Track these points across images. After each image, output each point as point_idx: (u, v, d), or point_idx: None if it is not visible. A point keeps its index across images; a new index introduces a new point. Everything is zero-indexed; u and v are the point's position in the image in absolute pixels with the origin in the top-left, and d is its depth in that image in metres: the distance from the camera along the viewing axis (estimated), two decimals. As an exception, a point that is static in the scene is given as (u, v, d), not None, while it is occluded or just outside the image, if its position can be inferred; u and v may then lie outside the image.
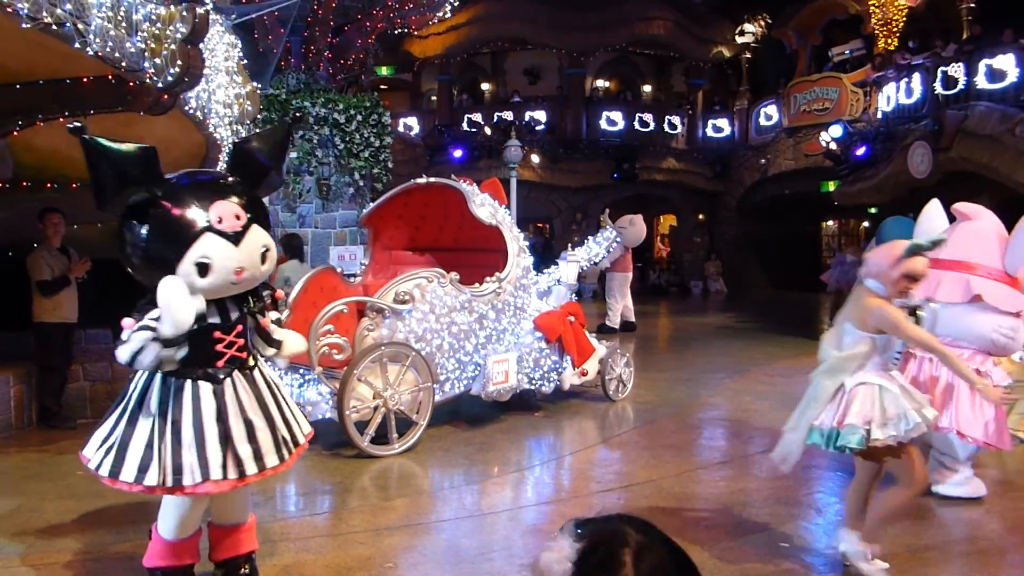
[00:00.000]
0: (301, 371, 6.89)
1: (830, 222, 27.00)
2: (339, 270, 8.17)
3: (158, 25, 6.70)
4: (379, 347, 6.65)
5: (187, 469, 3.61)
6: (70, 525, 5.08)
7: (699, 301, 24.02)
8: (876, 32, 20.20)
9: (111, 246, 9.39)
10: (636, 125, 24.79)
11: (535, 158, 22.91)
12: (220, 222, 3.55)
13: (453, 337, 7.23)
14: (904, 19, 19.68)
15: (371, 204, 8.99)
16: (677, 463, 6.85)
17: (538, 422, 8.03)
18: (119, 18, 6.35)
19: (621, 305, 14.61)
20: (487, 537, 5.11)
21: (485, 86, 27.51)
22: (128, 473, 3.61)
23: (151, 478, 3.59)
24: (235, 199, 3.65)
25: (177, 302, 3.46)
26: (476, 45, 25.16)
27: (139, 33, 6.54)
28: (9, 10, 5.55)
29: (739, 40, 25.55)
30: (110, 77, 6.72)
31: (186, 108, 7.45)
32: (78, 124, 3.79)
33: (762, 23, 25.02)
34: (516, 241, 8.06)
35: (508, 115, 24.31)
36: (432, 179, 8.21)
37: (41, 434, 7.35)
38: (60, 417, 7.55)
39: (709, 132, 25.91)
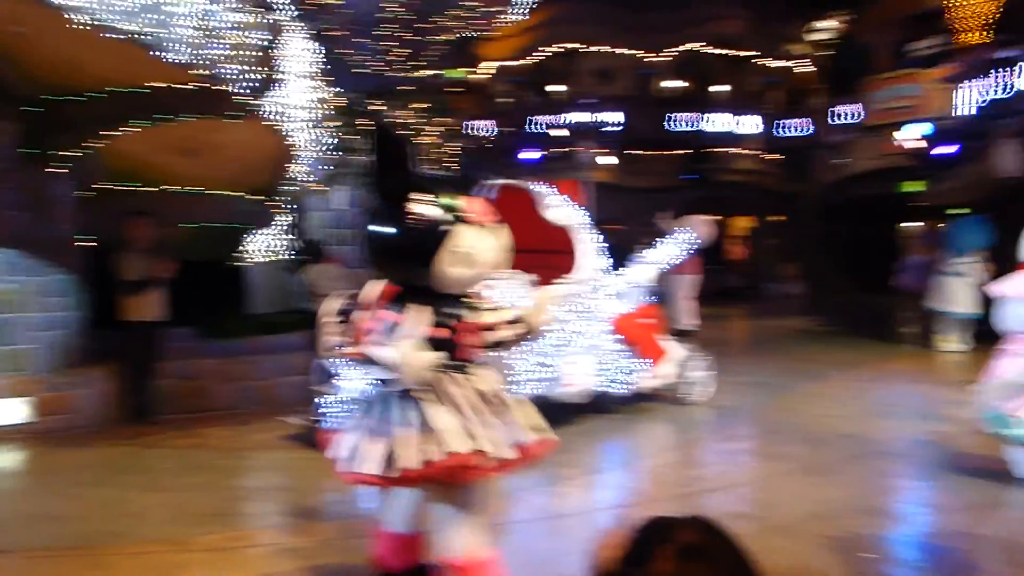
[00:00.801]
0: (377, 370, 6.97)
1: (912, 223, 26.22)
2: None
3: (238, 32, 6.88)
4: (454, 347, 6.68)
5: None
6: (156, 517, 5.23)
7: (775, 304, 23.57)
8: (959, 26, 19.55)
9: (195, 248, 9.70)
10: (709, 125, 24.50)
11: (607, 159, 22.82)
12: (473, 215, 3.55)
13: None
14: (990, 12, 19.01)
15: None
16: (755, 469, 6.72)
17: (613, 425, 7.97)
18: (201, 26, 6.55)
19: (690, 307, 14.41)
20: (561, 540, 5.09)
21: (556, 88, 27.53)
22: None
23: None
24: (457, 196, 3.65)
25: (417, 363, 3.42)
26: (547, 47, 25.19)
27: (220, 41, 6.73)
28: (95, 21, 5.78)
29: (816, 37, 25.03)
30: (194, 85, 6.93)
31: (265, 113, 7.64)
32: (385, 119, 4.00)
33: (841, 19, 24.47)
34: (589, 243, 8.02)
35: (580, 117, 24.27)
36: (504, 181, 8.22)
37: (131, 429, 7.59)
38: (148, 413, 7.80)
39: (785, 131, 25.42)
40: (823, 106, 24.70)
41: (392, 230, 3.58)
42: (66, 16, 5.70)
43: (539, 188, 7.88)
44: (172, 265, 7.89)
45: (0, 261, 7.17)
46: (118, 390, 7.81)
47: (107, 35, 5.89)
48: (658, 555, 1.31)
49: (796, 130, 25.34)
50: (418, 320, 3.49)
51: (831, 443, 7.30)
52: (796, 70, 27.03)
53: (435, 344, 3.51)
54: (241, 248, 10.42)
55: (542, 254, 8.35)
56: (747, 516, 5.38)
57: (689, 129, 24.30)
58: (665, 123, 24.37)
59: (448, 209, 3.52)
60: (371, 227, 3.66)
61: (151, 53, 6.25)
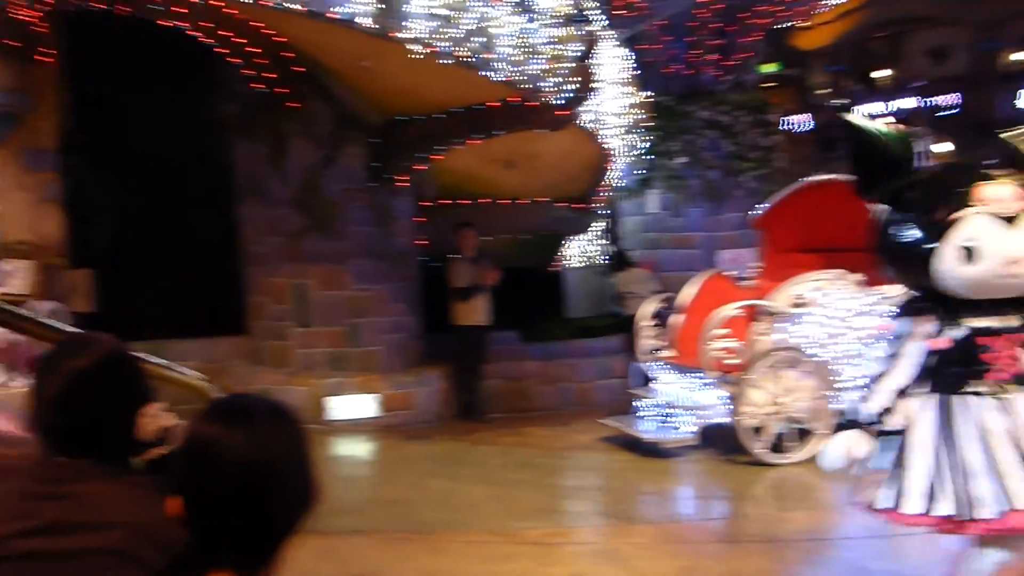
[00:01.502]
0: (694, 375, 6.90)
1: None
2: (730, 273, 8.05)
3: (556, 47, 7.14)
4: (774, 352, 6.43)
5: (980, 500, 2.99)
6: (486, 509, 5.56)
7: None
8: None
9: (517, 254, 10.18)
10: (1070, 100, 21.43)
11: (942, 147, 20.77)
12: (988, 203, 3.00)
13: (856, 343, 6.77)
14: None
15: (762, 205, 8.74)
16: None
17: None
18: (522, 44, 6.88)
19: None
20: (899, 561, 4.68)
21: (881, 73, 25.55)
22: (912, 504, 3.09)
23: (942, 507, 3.03)
24: (1004, 181, 3.11)
25: (846, 446, 3.13)
26: (871, 29, 23.47)
27: (539, 56, 7.03)
28: (431, 50, 6.30)
29: None
30: (514, 100, 7.30)
31: (581, 122, 7.85)
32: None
33: None
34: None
35: (909, 102, 22.36)
36: (828, 176, 7.77)
37: (462, 425, 8.16)
38: (477, 411, 8.33)
39: None
40: None
41: (893, 232, 3.19)
42: (404, 47, 6.26)
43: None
44: (496, 272, 8.36)
45: (355, 270, 8.03)
46: (451, 389, 8.43)
47: (440, 61, 6.39)
48: None
49: None
50: (917, 333, 3.11)
51: None
52: None
53: (944, 357, 3.08)
54: (559, 254, 10.80)
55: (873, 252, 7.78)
56: None
57: (1044, 106, 21.42)
58: (1014, 101, 21.67)
59: (956, 201, 3.01)
60: (878, 231, 3.30)
61: (478, 73, 6.67)
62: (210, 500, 1.38)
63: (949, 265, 2.96)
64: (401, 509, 5.53)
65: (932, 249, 2.97)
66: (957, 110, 21.88)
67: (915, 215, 3.07)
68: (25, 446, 2.26)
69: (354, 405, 7.86)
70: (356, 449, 7.52)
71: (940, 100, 22.17)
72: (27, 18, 7.92)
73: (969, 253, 2.93)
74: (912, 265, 3.12)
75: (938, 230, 2.97)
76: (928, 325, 3.10)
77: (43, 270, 8.45)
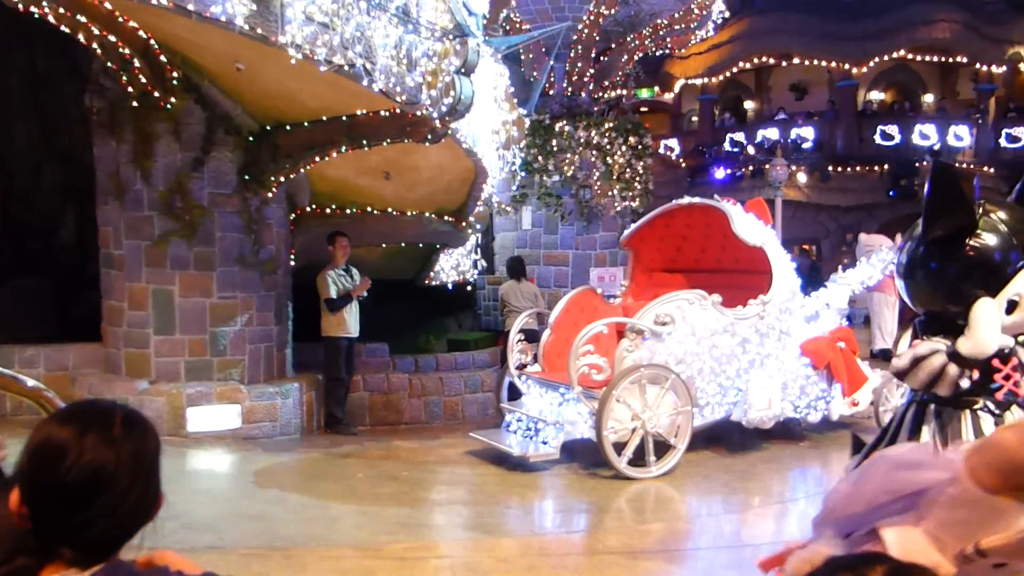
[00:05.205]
0: (561, 390, 7.02)
1: None
2: (599, 291, 8.24)
3: (434, 60, 7.16)
4: (638, 369, 6.62)
5: None
6: (349, 523, 5.48)
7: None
8: None
9: (390, 266, 10.07)
10: (915, 138, 22.99)
11: (801, 177, 21.91)
12: None
13: (714, 360, 7.04)
14: None
15: (632, 225, 9.01)
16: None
17: (801, 453, 7.60)
18: (401, 56, 6.86)
19: (892, 329, 13.49)
20: (747, 570, 4.87)
21: (748, 104, 26.79)
22: None
23: None
24: None
25: (989, 327, 3.12)
26: (739, 62, 24.57)
27: (417, 68, 7.03)
28: (307, 55, 6.19)
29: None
30: (392, 111, 7.28)
31: (458, 136, 7.89)
32: None
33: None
34: (782, 263, 7.73)
35: (772, 133, 23.50)
36: (694, 200, 8.09)
37: (327, 438, 8.03)
38: (343, 424, 8.21)
39: (1003, 142, 23.41)
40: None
41: (943, 268, 3.21)
42: (282, 52, 6.13)
43: (729, 207, 7.68)
44: (367, 283, 8.28)
45: (220, 277, 7.77)
46: (317, 402, 8.28)
47: (318, 68, 6.29)
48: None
49: (1017, 140, 23.29)
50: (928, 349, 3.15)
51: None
52: (1017, 74, 24.87)
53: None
54: (433, 267, 10.81)
55: (730, 274, 8.14)
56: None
57: (893, 142, 22.89)
58: (867, 136, 23.09)
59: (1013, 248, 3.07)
60: (919, 263, 3.32)
61: (355, 83, 6.61)
62: (52, 499, 1.42)
63: (991, 318, 3.07)
64: (260, 524, 5.38)
65: (977, 296, 3.06)
66: (812, 143, 23.11)
67: (976, 261, 3.10)
68: None
69: (215, 416, 7.59)
70: (215, 462, 7.27)
71: (801, 132, 23.37)
72: None
73: (1011, 305, 3.07)
74: (948, 302, 3.19)
75: (997, 279, 3.06)
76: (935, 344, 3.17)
77: None
